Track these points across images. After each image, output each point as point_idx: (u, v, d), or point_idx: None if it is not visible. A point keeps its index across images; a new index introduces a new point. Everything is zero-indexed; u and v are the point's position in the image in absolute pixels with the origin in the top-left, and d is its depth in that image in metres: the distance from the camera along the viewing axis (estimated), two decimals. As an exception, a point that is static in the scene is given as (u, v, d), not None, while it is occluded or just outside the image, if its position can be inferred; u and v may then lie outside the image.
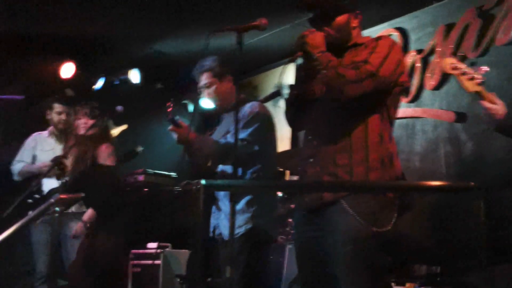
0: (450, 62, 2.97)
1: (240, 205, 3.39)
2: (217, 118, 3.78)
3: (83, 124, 4.47)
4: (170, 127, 3.32)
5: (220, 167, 3.58)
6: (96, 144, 4.49)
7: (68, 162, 4.52)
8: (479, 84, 2.90)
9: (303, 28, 2.75)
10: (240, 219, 3.35)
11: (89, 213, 4.43)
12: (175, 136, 3.32)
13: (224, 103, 3.64)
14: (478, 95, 2.93)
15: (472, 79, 2.90)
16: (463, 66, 2.93)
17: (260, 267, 3.39)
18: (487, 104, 2.89)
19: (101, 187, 4.45)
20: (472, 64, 2.98)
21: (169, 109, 3.32)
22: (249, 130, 3.40)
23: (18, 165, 5.21)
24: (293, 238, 3.73)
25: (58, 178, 4.78)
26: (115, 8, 5.88)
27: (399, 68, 2.63)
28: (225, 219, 3.45)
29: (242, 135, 3.36)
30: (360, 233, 2.50)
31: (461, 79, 2.93)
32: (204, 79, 3.61)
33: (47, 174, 4.62)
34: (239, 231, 3.34)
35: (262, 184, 2.52)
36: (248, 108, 3.49)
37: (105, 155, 4.48)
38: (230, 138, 3.46)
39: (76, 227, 4.46)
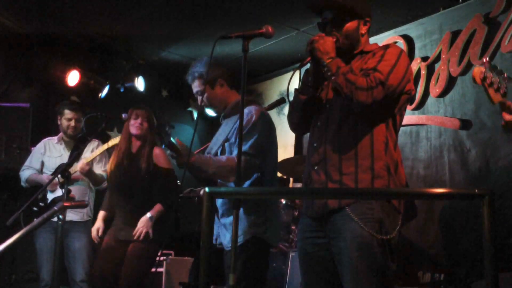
0: (480, 71, 2.90)
1: (239, 215, 3.36)
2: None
3: (138, 124, 4.49)
4: (169, 152, 3.31)
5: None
6: (150, 146, 4.52)
7: (112, 159, 4.56)
8: (503, 95, 2.85)
9: (308, 36, 2.75)
10: (239, 229, 3.32)
11: (156, 208, 4.40)
12: (175, 160, 3.32)
13: (219, 108, 3.63)
14: (501, 106, 2.86)
15: (498, 89, 2.85)
16: (491, 77, 2.87)
17: (258, 276, 3.36)
18: (507, 116, 2.84)
19: (165, 187, 4.47)
20: (497, 74, 2.90)
21: (163, 136, 3.32)
22: (249, 142, 3.35)
23: (27, 171, 5.19)
24: (296, 245, 3.71)
25: (61, 187, 4.77)
26: (122, 16, 5.91)
27: (406, 76, 2.62)
28: (224, 228, 3.44)
29: (243, 148, 3.22)
30: (365, 241, 2.49)
31: (489, 90, 2.87)
32: (196, 87, 3.59)
33: (48, 185, 4.62)
34: (238, 240, 3.30)
35: (267, 191, 2.51)
36: (245, 115, 3.39)
37: (162, 158, 4.51)
38: (228, 148, 3.45)
39: (143, 221, 4.36)
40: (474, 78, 2.90)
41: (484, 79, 2.87)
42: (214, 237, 3.54)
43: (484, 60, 2.72)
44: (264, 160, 3.43)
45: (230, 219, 3.35)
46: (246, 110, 3.45)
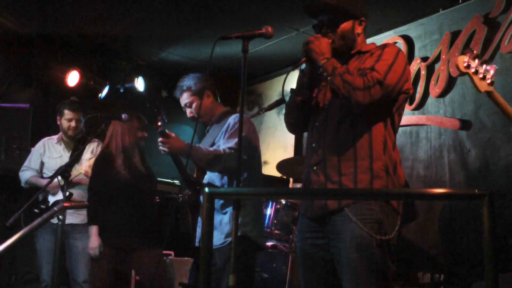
0: (463, 60, 2.90)
1: (227, 215, 3.45)
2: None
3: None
4: (160, 138, 3.37)
5: (207, 178, 3.64)
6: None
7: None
8: (490, 84, 2.86)
9: (308, 36, 2.75)
10: (227, 228, 3.41)
11: None
12: (165, 147, 3.37)
13: (207, 118, 3.75)
14: (488, 95, 2.87)
15: (484, 78, 2.85)
16: (476, 65, 2.87)
17: (246, 275, 3.40)
18: None
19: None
20: (483, 63, 2.92)
21: (159, 123, 3.42)
22: (236, 139, 3.43)
23: (26, 172, 5.16)
24: (296, 246, 3.72)
25: (62, 189, 4.73)
26: (122, 16, 5.91)
27: (404, 75, 2.62)
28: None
29: (229, 144, 3.45)
30: (364, 241, 2.50)
31: (474, 78, 2.88)
32: (184, 99, 3.74)
33: (47, 186, 4.56)
34: (227, 240, 3.40)
35: (267, 192, 2.51)
36: (232, 120, 3.58)
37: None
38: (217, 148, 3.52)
39: None
40: (458, 66, 2.90)
41: (468, 67, 2.87)
42: (198, 239, 3.62)
43: (469, 50, 2.74)
44: (250, 159, 3.53)
45: (218, 218, 3.43)
46: (233, 115, 3.64)
